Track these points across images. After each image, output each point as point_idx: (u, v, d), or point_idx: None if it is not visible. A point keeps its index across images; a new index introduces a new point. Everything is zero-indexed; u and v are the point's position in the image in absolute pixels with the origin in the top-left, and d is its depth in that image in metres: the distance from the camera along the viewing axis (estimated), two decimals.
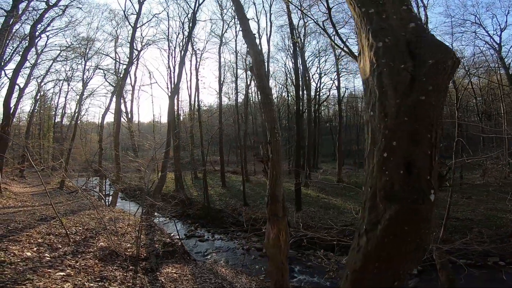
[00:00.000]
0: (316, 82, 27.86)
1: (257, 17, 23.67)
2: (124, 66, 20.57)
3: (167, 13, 28.38)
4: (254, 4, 45.60)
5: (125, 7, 26.21)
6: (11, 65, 15.97)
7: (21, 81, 18.81)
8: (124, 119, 23.95)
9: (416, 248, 1.34)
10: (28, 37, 14.69)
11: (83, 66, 23.54)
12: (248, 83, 25.23)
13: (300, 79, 20.78)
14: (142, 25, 22.77)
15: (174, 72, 23.75)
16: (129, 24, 20.40)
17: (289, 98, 32.34)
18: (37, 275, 4.57)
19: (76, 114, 23.51)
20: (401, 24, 1.46)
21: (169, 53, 24.60)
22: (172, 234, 10.79)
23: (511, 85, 18.06)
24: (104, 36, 32.15)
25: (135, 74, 35.70)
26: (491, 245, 7.28)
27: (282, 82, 31.72)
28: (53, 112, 29.32)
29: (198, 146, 23.68)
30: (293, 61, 22.15)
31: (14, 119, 18.29)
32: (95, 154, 22.34)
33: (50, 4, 14.65)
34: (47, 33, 18.73)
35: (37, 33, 15.76)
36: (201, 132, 23.47)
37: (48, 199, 7.79)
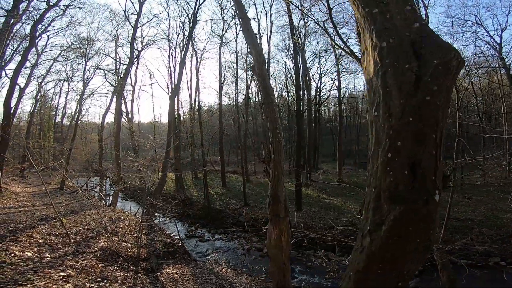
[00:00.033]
0: (317, 82, 27.82)
1: (257, 17, 23.57)
2: (125, 66, 20.57)
3: (168, 13, 28.65)
4: (255, 4, 45.75)
5: (125, 7, 26.41)
6: (12, 65, 15.98)
7: (21, 81, 18.82)
8: (124, 119, 23.90)
9: (421, 248, 1.34)
10: (28, 37, 14.66)
11: (83, 66, 23.56)
12: (249, 83, 25.21)
13: (301, 79, 20.76)
14: (142, 25, 22.80)
15: (174, 72, 23.82)
16: (130, 24, 20.40)
17: (290, 98, 32.39)
18: (38, 276, 4.57)
19: (77, 114, 23.47)
20: (405, 24, 1.45)
21: (169, 53, 24.67)
22: (172, 234, 10.77)
23: None
24: (105, 36, 32.04)
25: (135, 74, 35.78)
26: (492, 245, 7.28)
27: (283, 82, 31.78)
28: (54, 112, 29.32)
29: (198, 146, 23.67)
30: (293, 61, 22.20)
31: (14, 119, 18.27)
32: (95, 154, 22.36)
33: (51, 4, 14.63)
34: (48, 33, 18.71)
35: (37, 33, 15.73)
36: (201, 132, 23.46)
37: (49, 199, 7.78)
